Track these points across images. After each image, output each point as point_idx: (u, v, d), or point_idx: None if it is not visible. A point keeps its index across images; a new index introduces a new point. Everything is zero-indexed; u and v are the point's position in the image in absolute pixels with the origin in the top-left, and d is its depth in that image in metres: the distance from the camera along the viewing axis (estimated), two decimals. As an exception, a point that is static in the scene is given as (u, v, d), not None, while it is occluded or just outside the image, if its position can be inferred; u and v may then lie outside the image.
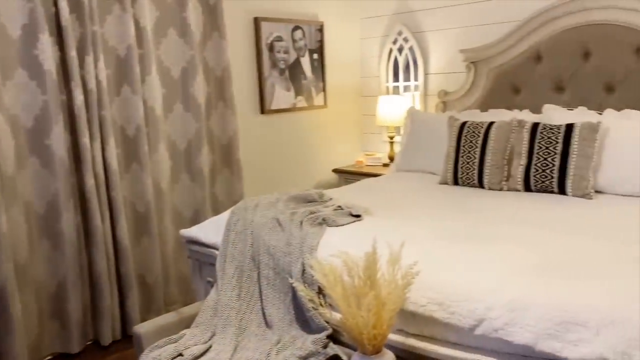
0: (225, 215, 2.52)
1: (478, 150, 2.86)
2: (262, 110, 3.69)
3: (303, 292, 1.70)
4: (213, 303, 2.15)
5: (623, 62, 2.91)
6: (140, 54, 2.96)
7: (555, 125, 2.68)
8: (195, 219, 3.26)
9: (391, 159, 4.01)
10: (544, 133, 2.68)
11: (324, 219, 2.19)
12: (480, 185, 2.85)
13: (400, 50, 4.04)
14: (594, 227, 2.03)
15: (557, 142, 2.62)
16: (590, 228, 2.02)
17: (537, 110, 3.09)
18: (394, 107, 3.90)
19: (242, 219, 2.37)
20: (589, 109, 2.91)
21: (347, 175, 4.04)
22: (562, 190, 2.59)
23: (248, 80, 3.61)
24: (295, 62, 3.85)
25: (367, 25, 4.24)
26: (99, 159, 2.78)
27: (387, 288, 1.53)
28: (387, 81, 4.16)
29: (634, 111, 2.72)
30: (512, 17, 3.39)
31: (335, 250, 1.77)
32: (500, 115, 3.14)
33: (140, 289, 3.06)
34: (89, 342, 2.88)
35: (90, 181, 2.72)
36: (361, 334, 1.51)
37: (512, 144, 2.81)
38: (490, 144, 2.83)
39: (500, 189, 2.79)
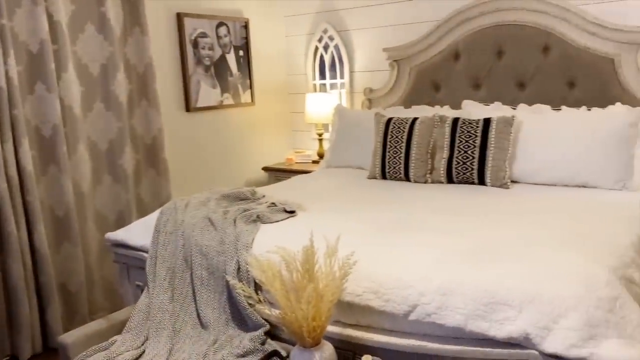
0: (153, 216, 2.44)
1: (403, 145, 2.96)
2: (188, 108, 3.61)
3: (241, 289, 1.69)
4: (145, 307, 2.08)
5: (532, 60, 3.12)
6: (55, 50, 2.80)
7: (474, 120, 2.83)
8: (120, 222, 3.13)
9: (320, 155, 4.06)
10: (464, 127, 2.82)
11: (258, 216, 2.18)
12: (407, 178, 2.95)
13: (325, 48, 4.10)
14: (513, 214, 2.17)
15: (476, 136, 2.77)
16: (509, 215, 2.16)
17: (456, 106, 3.25)
18: (321, 105, 3.95)
19: (172, 220, 2.31)
20: (504, 104, 3.11)
21: (277, 173, 4.04)
22: (481, 181, 2.74)
23: (172, 77, 3.51)
24: (221, 58, 3.80)
25: (292, 23, 4.26)
26: (11, 162, 2.60)
27: (325, 280, 1.55)
28: (314, 79, 4.21)
29: (544, 106, 2.92)
30: (432, 17, 3.53)
31: (272, 247, 1.78)
32: (423, 112, 3.26)
33: (62, 298, 2.90)
34: (5, 358, 2.69)
35: (2, 185, 2.54)
36: (301, 327, 1.52)
37: (434, 138, 2.93)
38: (415, 139, 2.94)
39: (425, 182, 2.90)
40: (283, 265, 1.62)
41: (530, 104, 3.04)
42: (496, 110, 2.97)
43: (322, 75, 4.18)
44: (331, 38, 4.04)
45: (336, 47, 4.04)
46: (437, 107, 3.34)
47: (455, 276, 1.58)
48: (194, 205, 2.38)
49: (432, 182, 2.89)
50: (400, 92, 3.68)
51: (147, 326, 2.02)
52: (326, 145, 4.06)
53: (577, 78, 3.00)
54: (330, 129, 3.94)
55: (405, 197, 2.58)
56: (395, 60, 3.67)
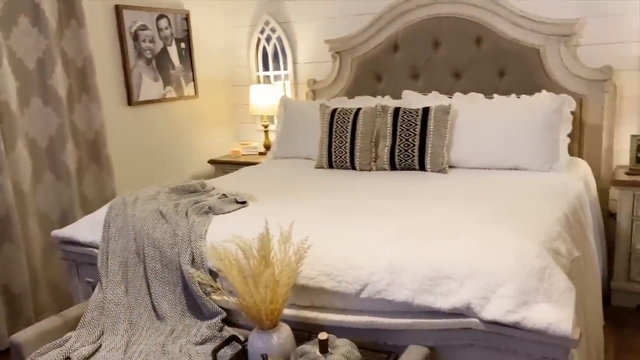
0: (102, 212, 2.42)
1: (348, 135, 3.06)
2: (130, 102, 3.55)
3: (200, 277, 1.73)
4: (99, 302, 2.08)
5: (467, 52, 3.30)
6: (-12, 44, 2.69)
7: (413, 109, 2.97)
8: (64, 221, 3.07)
9: (267, 147, 4.10)
10: (405, 117, 2.96)
11: (209, 208, 2.21)
12: (353, 167, 3.05)
13: (268, 40, 4.13)
14: (451, 196, 2.32)
15: (416, 124, 2.91)
16: (448, 197, 2.30)
17: (397, 96, 3.39)
18: (266, 96, 3.99)
19: (121, 214, 2.30)
20: (441, 93, 3.26)
21: (224, 166, 4.05)
22: (422, 167, 2.89)
23: (113, 71, 3.45)
24: (162, 51, 3.76)
25: (233, 14, 4.26)
26: (-55, 161, 2.50)
27: (280, 265, 1.62)
28: (258, 70, 4.23)
29: (478, 94, 3.10)
30: (373, 9, 3.64)
31: (228, 236, 1.82)
32: (366, 102, 3.38)
33: (5, 300, 2.82)
34: (-53, 365, 2.60)
35: (-64, 186, 2.44)
36: (259, 310, 1.59)
37: (377, 127, 3.05)
38: (359, 128, 3.05)
39: (370, 169, 3.02)
40: (240, 254, 1.67)
41: (465, 92, 3.21)
42: (434, 100, 3.12)
43: (266, 67, 4.21)
44: (273, 30, 4.08)
45: (278, 38, 4.08)
46: (379, 97, 3.47)
47: (402, 255, 1.70)
48: (144, 200, 2.38)
49: (377, 169, 3.01)
50: (343, 83, 3.78)
51: (102, 321, 2.01)
52: (272, 136, 4.11)
53: (507, 68, 3.20)
54: (275, 120, 3.99)
55: (352, 184, 2.68)
56: (337, 52, 3.76)
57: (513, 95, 3.01)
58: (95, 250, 2.29)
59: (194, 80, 4.03)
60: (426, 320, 1.60)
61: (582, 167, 2.87)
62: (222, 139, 4.36)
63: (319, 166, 3.17)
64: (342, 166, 3.09)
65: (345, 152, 3.05)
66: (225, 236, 1.90)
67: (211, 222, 2.16)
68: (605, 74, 2.95)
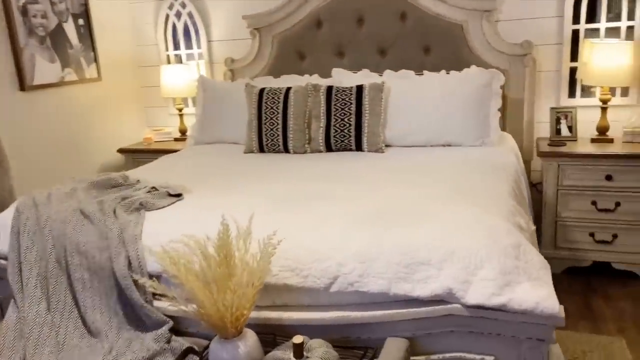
0: (6, 215, 2.06)
1: (280, 116, 2.89)
2: (23, 87, 3.09)
3: (152, 286, 1.49)
4: (14, 323, 1.76)
5: (391, 28, 3.24)
6: None
7: (347, 88, 2.86)
8: (-48, 227, 2.61)
9: (182, 132, 3.81)
10: (338, 96, 2.84)
11: (140, 204, 1.96)
12: (286, 150, 2.89)
13: (178, 15, 3.80)
14: (399, 176, 2.24)
15: (350, 103, 2.80)
16: (396, 177, 2.22)
17: (324, 74, 3.25)
18: (179, 77, 3.68)
19: (32, 217, 1.97)
20: (371, 71, 3.18)
21: (136, 155, 3.70)
22: (359, 147, 2.80)
23: (0, 51, 2.97)
24: (58, 28, 3.31)
25: (136, -12, 3.87)
26: None
27: (243, 265, 1.44)
28: (167, 49, 3.89)
29: (409, 71, 3.06)
30: (291, -16, 3.46)
31: (171, 235, 1.60)
32: (293, 81, 3.21)
33: None
34: None
35: None
36: (222, 318, 1.40)
37: (309, 107, 2.91)
38: (291, 109, 2.89)
39: (304, 152, 2.88)
40: (195, 255, 1.47)
41: (393, 69, 3.15)
42: (365, 78, 3.03)
43: (177, 46, 3.89)
44: (183, 5, 3.76)
45: (190, 14, 3.77)
46: (307, 75, 3.32)
47: (372, 242, 1.59)
48: (58, 198, 2.05)
49: (311, 151, 2.88)
50: (264, 61, 3.57)
51: (21, 344, 1.71)
52: (189, 121, 3.83)
53: (432, 44, 3.18)
54: (190, 103, 3.71)
55: (290, 169, 2.53)
56: (256, 29, 3.55)
57: (443, 71, 3.00)
58: (3, 262, 1.95)
59: (96, 61, 3.61)
60: (404, 310, 1.52)
61: (509, 140, 2.94)
62: (131, 125, 3.98)
63: (249, 151, 2.97)
64: (274, 150, 2.92)
65: (278, 135, 2.88)
66: (167, 235, 1.68)
67: (144, 219, 1.91)
68: (526, 48, 3.03)
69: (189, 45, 3.85)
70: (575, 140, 3.00)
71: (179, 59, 3.90)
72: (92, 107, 3.62)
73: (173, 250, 1.47)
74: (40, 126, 3.23)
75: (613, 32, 2.96)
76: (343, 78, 3.07)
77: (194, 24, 3.77)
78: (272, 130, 2.89)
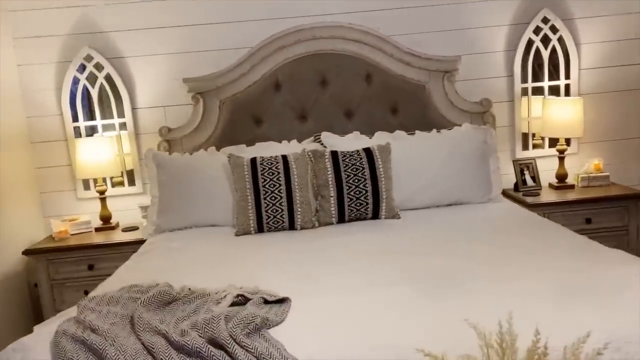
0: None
1: (283, 188, 2.49)
2: None
3: None
4: None
5: (357, 89, 3.11)
6: None
7: (354, 151, 2.62)
8: None
9: (105, 219, 3.06)
10: (347, 160, 2.58)
11: (263, 321, 1.40)
12: (292, 226, 2.49)
13: (93, 80, 3.12)
14: (444, 243, 2.11)
15: (363, 168, 2.56)
16: (444, 244, 2.09)
17: (284, 139, 2.97)
18: (99, 153, 2.98)
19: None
20: (334, 133, 2.97)
21: (51, 256, 2.83)
22: (375, 215, 2.55)
23: None
24: (-57, 96, 2.42)
25: (28, 47, 3.09)
26: None
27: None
28: (77, 120, 3.15)
29: (401, 132, 2.93)
30: (240, 44, 3.13)
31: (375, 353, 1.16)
32: (261, 149, 2.85)
33: None
34: None
35: None
36: None
37: (311, 176, 2.58)
38: (294, 179, 2.52)
39: (313, 227, 2.52)
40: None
41: (361, 132, 3.00)
42: (356, 140, 2.83)
43: (90, 116, 3.17)
44: (99, 67, 3.11)
45: (108, 78, 3.13)
46: (271, 142, 2.97)
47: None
48: (111, 328, 1.38)
49: (320, 225, 2.53)
50: (211, 129, 3.12)
51: None
52: (114, 204, 3.11)
53: (399, 104, 3.13)
54: (137, 182, 3.05)
55: (320, 247, 2.18)
56: (199, 93, 3.09)
57: (434, 130, 2.95)
58: None
59: (-14, 137, 2.73)
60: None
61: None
62: (30, 218, 3.07)
63: (244, 232, 2.49)
64: (276, 228, 2.49)
65: (282, 210, 2.47)
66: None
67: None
68: (485, 106, 3.17)
69: (107, 115, 3.17)
70: (540, 189, 3.19)
71: (93, 131, 3.18)
72: (-17, 198, 2.70)
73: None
74: None
75: (553, 90, 3.30)
76: (335, 142, 2.82)
77: (115, 89, 3.14)
78: (274, 205, 2.47)
